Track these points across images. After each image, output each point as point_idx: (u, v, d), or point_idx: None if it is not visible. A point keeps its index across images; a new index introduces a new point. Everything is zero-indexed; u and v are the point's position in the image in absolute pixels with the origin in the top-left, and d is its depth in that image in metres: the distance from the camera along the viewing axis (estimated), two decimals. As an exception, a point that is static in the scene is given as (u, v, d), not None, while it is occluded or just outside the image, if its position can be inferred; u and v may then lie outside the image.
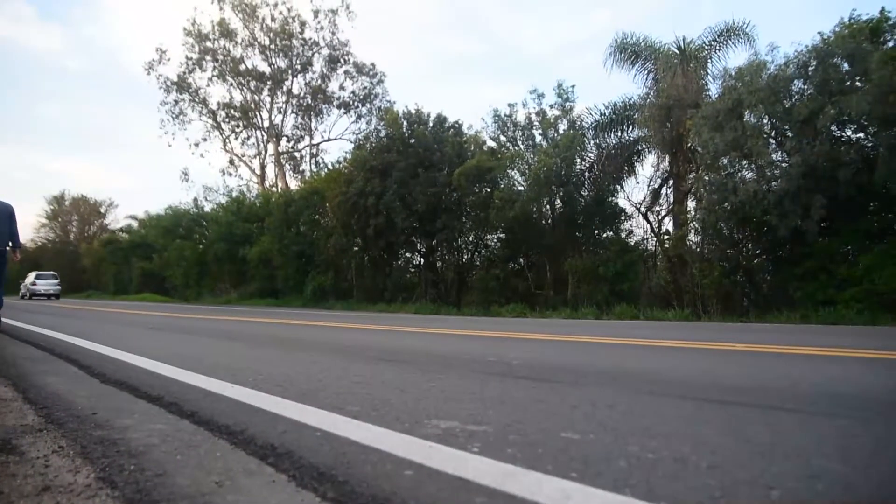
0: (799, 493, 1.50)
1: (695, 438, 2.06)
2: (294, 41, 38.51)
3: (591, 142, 17.79)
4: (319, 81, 39.37)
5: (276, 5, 37.78)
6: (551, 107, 18.58)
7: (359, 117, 39.61)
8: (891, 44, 11.63)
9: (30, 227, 62.98)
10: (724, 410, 2.57)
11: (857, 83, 11.59)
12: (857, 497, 1.47)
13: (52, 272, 38.68)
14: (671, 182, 16.85)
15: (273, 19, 38.10)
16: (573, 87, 18.41)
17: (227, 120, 39.88)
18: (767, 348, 5.23)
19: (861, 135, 12.19)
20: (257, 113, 40.02)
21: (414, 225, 19.72)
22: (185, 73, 38.91)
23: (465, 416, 2.40)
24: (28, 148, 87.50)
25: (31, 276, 37.73)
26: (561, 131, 17.96)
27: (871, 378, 3.67)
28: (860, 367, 4.16)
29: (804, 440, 2.04)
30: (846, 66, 11.86)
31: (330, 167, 27.05)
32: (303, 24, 38.35)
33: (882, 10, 12.04)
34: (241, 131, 40.11)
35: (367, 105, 39.49)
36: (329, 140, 41.45)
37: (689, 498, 1.45)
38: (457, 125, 21.11)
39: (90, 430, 2.30)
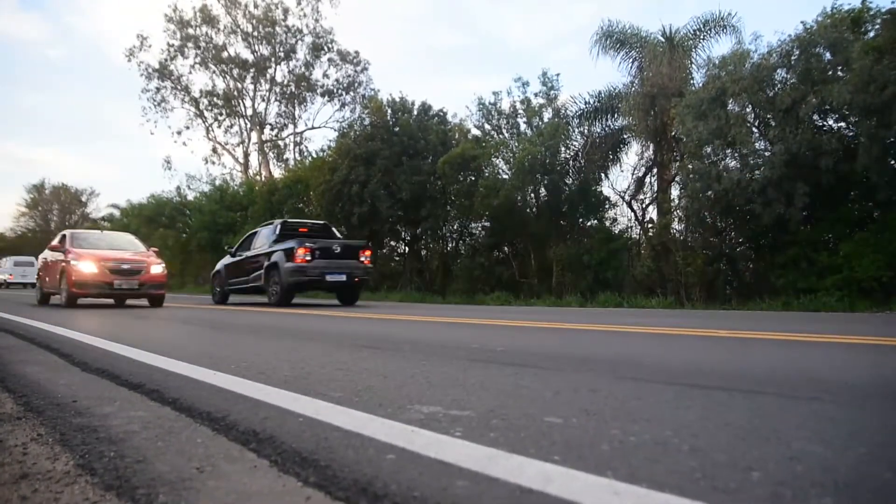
0: (779, 474, 1.51)
1: (676, 422, 2.07)
2: (277, 28, 38.19)
3: (576, 130, 17.82)
4: (303, 69, 39.13)
5: (258, -8, 37.43)
6: (536, 95, 18.58)
7: (343, 105, 39.43)
8: (871, 34, 11.72)
9: (9, 217, 62.20)
10: (705, 395, 2.59)
11: (839, 73, 11.68)
12: (835, 477, 1.49)
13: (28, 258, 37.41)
14: (655, 170, 16.92)
15: (256, 6, 37.80)
16: (558, 75, 18.43)
17: (209, 108, 39.56)
18: (749, 335, 5.28)
19: (842, 124, 12.31)
20: (240, 101, 39.73)
21: (398, 213, 19.69)
22: (166, 60, 38.52)
23: (448, 402, 2.40)
24: (7, 137, 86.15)
25: (8, 263, 35.79)
26: (545, 120, 17.96)
27: (850, 363, 3.71)
28: (839, 352, 4.21)
29: (784, 423, 2.06)
30: (828, 55, 11.96)
31: (314, 155, 26.90)
32: (286, 10, 38.06)
33: (863, 1, 12.13)
34: (225, 119, 39.82)
35: (351, 93, 39.32)
36: (313, 128, 41.20)
37: (670, 480, 1.46)
38: (441, 113, 21.06)
39: (70, 418, 2.27)
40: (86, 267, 11.08)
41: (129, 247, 12.93)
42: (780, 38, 12.69)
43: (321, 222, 15.03)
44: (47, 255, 13.19)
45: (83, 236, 13.23)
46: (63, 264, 11.39)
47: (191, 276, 31.19)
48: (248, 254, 13.54)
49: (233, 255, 14.30)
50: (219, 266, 14.93)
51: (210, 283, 15.73)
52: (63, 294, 11.34)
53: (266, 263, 12.34)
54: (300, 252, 11.56)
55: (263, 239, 13.28)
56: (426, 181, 19.24)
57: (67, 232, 13.24)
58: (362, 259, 12.51)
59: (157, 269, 11.88)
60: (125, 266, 11.42)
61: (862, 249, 10.84)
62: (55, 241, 13.06)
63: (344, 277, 11.86)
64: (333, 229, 14.31)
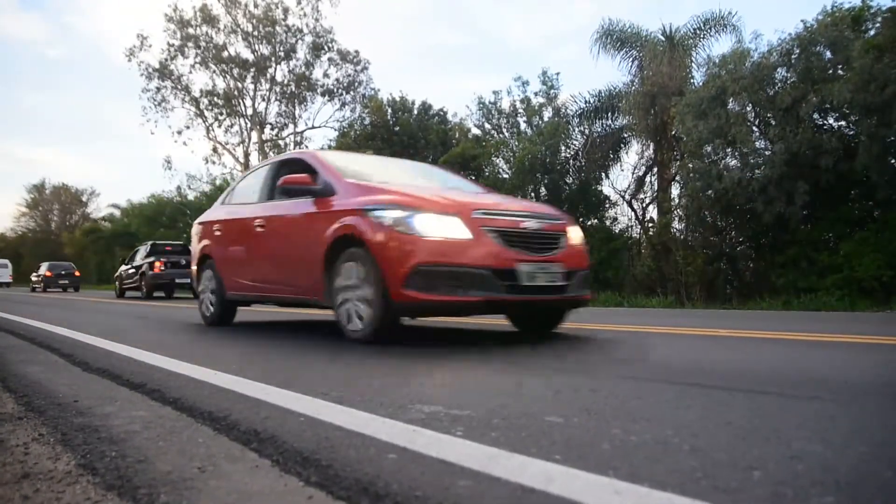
0: (779, 473, 1.51)
1: (677, 422, 2.07)
2: (277, 28, 38.14)
3: (576, 129, 17.82)
4: (303, 69, 39.07)
5: (258, -9, 37.43)
6: (536, 94, 18.61)
7: (343, 105, 39.36)
8: (872, 32, 11.71)
9: (9, 217, 62.51)
10: (706, 395, 2.59)
11: (840, 71, 11.68)
12: (836, 476, 1.49)
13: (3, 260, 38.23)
14: (655, 170, 16.93)
15: (256, 5, 37.72)
16: (558, 74, 18.46)
17: (210, 107, 39.48)
18: (749, 334, 5.28)
19: (843, 123, 12.31)
20: (241, 100, 39.64)
21: (399, 213, 19.65)
22: (166, 59, 38.43)
23: (449, 401, 2.40)
24: (7, 137, 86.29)
25: None
26: (546, 119, 17.96)
27: (851, 362, 3.71)
28: (840, 351, 4.21)
29: (785, 423, 2.06)
30: (828, 54, 11.96)
31: (314, 155, 26.84)
32: (286, 10, 38.01)
33: (864, -1, 12.13)
34: (225, 119, 39.72)
35: (352, 93, 39.25)
36: (313, 128, 41.07)
37: (671, 479, 1.47)
38: (441, 113, 21.08)
39: (71, 418, 2.27)
40: (441, 227, 4.29)
41: (460, 185, 6.05)
42: (780, 36, 12.71)
43: (180, 243, 20.11)
44: (247, 211, 6.17)
45: (351, 163, 5.84)
46: (345, 221, 4.66)
47: (191, 276, 31.17)
48: (134, 264, 18.95)
49: (125, 264, 19.81)
50: (117, 273, 20.70)
51: (114, 282, 21.50)
52: (368, 307, 4.45)
53: (140, 271, 18.00)
54: (157, 265, 17.46)
55: (140, 255, 18.71)
56: (426, 181, 19.22)
57: (308, 154, 5.98)
58: None
59: (577, 236, 5.19)
60: (534, 224, 4.63)
61: (862, 249, 10.83)
62: (288, 174, 5.45)
63: (189, 280, 16.69)
64: (190, 248, 18.22)
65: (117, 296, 19.73)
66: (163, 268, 17.41)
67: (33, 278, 33.21)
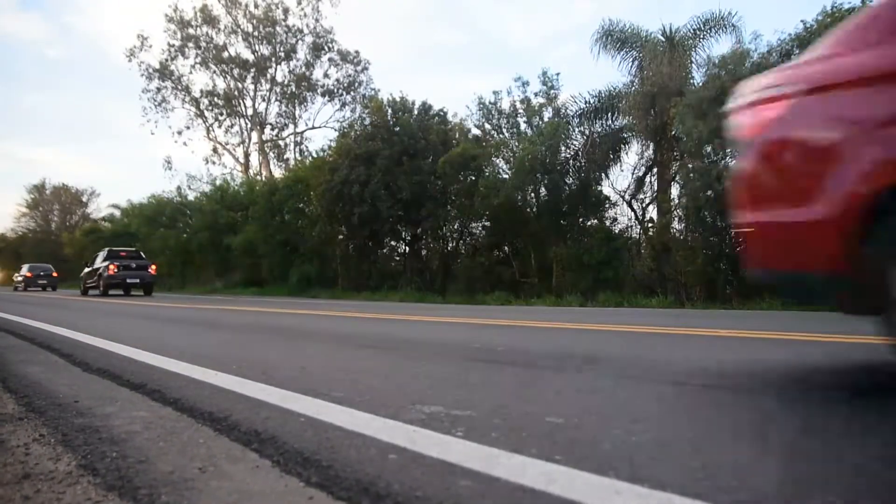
0: (781, 472, 1.52)
1: (678, 422, 2.07)
2: (277, 28, 38.23)
3: (576, 130, 17.79)
4: (303, 69, 39.13)
5: (258, -8, 37.48)
6: (536, 95, 18.59)
7: (343, 105, 39.46)
8: (873, 32, 11.70)
9: (9, 217, 62.54)
10: (706, 395, 2.59)
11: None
12: (837, 476, 1.49)
13: None
14: (655, 170, 16.91)
15: (256, 6, 37.82)
16: (558, 74, 18.44)
17: (210, 108, 39.58)
18: (750, 334, 5.28)
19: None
20: (241, 101, 39.73)
21: (399, 213, 19.66)
22: (167, 60, 38.56)
23: (450, 402, 2.40)
24: (7, 137, 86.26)
25: None
26: (546, 119, 17.95)
27: (852, 361, 3.71)
28: (841, 350, 4.21)
29: (787, 422, 2.06)
30: (829, 54, 11.94)
31: (314, 155, 26.86)
32: (286, 10, 38.09)
33: (864, 0, 12.12)
34: (225, 119, 39.84)
35: (352, 93, 39.36)
36: (313, 128, 41.21)
37: (672, 479, 1.46)
38: (441, 113, 21.04)
39: (72, 419, 2.27)
40: None
41: None
42: (780, 37, 12.73)
43: (133, 249, 24.11)
44: None
45: None
46: None
47: (191, 276, 31.18)
48: (93, 267, 22.19)
49: (88, 267, 23.11)
50: (82, 273, 23.69)
51: (80, 282, 24.24)
52: None
53: (98, 273, 21.22)
54: (111, 267, 20.66)
55: (99, 259, 22.00)
56: (426, 181, 19.23)
57: None
58: (150, 270, 21.57)
59: None
60: None
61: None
62: None
63: (138, 280, 20.97)
64: (141, 254, 23.40)
65: (81, 293, 22.69)
66: (116, 270, 20.82)
67: (16, 278, 35.98)
